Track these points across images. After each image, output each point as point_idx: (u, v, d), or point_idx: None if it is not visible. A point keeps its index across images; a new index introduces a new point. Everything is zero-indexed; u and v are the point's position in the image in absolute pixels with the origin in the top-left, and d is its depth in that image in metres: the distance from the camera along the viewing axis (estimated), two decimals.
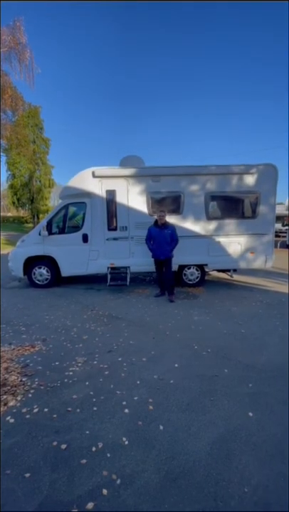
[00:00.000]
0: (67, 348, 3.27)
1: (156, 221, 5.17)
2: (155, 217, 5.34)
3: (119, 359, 3.00)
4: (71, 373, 2.70)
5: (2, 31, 15.11)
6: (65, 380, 2.57)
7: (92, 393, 2.38)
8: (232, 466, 1.69)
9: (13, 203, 30.74)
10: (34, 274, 6.05)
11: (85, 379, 2.60)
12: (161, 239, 5.05)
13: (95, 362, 2.93)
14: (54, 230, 6.04)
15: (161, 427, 1.99)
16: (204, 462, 1.71)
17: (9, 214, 42.24)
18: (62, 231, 6.01)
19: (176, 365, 2.88)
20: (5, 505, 1.43)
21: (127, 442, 1.84)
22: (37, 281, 6.08)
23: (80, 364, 2.88)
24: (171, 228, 5.14)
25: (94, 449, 1.78)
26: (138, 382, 2.56)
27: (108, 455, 1.74)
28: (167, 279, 5.26)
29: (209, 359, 3.03)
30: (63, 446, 1.80)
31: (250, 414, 2.14)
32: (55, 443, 1.83)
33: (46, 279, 6.09)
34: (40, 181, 30.31)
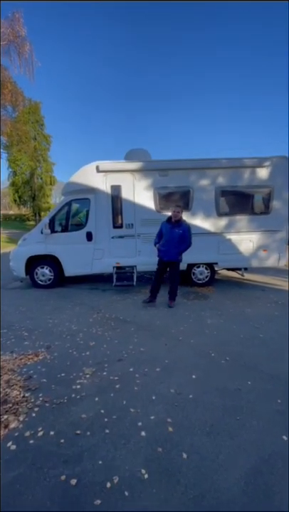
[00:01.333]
0: (74, 356, 3.02)
1: (169, 217, 4.54)
2: (163, 213, 5.05)
3: (131, 369, 2.74)
4: (79, 387, 2.45)
5: (2, 25, 14.70)
6: (73, 395, 2.32)
7: (102, 411, 2.13)
8: (273, 506, 1.43)
9: (15, 200, 30.53)
10: (36, 274, 5.80)
11: (94, 393, 2.35)
12: (169, 237, 4.41)
13: (105, 373, 2.68)
14: (57, 227, 5.78)
15: (184, 455, 1.73)
16: (239, 502, 1.45)
17: (11, 212, 42.11)
18: (65, 229, 5.74)
19: (193, 377, 2.62)
20: None
21: (146, 475, 1.59)
22: (39, 282, 5.84)
23: (88, 376, 2.62)
24: (184, 228, 4.41)
25: (108, 485, 1.53)
26: (153, 397, 2.31)
27: (126, 493, 1.48)
28: (172, 282, 4.65)
29: (229, 369, 2.77)
30: (73, 482, 1.55)
31: (285, 437, 1.88)
32: (63, 477, 1.58)
33: (49, 279, 5.84)
34: (41, 178, 30.04)
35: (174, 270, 4.65)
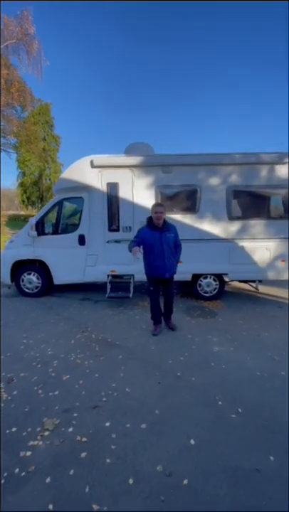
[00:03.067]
0: (38, 397, 2.33)
1: (150, 221, 3.50)
2: (166, 216, 4.28)
3: (107, 424, 2.03)
4: (29, 454, 1.75)
5: (10, 22, 14.50)
6: (16, 471, 1.63)
7: (51, 507, 1.42)
8: None
9: (23, 201, 30.52)
10: (23, 280, 5.19)
11: (47, 469, 1.65)
12: (164, 246, 3.38)
13: (70, 429, 1.97)
14: (47, 229, 5.16)
15: None
16: None
17: (22, 212, 42.25)
18: (55, 231, 5.10)
19: (192, 442, 1.87)
20: None
21: None
22: (26, 290, 5.22)
23: (46, 433, 1.92)
24: (174, 230, 3.54)
25: None
26: (131, 480, 1.58)
27: None
28: (168, 301, 3.80)
29: (242, 429, 2.01)
30: None
31: None
32: None
33: (36, 287, 5.21)
34: (49, 179, 29.91)
35: (170, 285, 3.74)
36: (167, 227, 3.49)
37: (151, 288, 3.68)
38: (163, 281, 3.65)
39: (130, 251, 3.36)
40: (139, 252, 3.32)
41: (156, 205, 3.48)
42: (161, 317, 3.86)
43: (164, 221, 3.48)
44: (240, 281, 5.58)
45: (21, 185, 29.65)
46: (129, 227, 4.88)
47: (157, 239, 3.39)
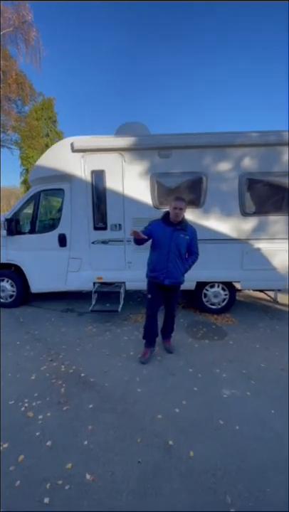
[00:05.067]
0: None
1: (166, 215, 2.81)
2: (164, 210, 3.36)
3: None
4: None
5: (6, 9, 13.73)
6: None
7: None
8: None
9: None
10: None
11: None
12: (172, 247, 2.70)
13: None
14: (23, 227, 4.35)
15: None
16: None
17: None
18: (32, 230, 4.27)
19: None
20: None
21: None
22: None
23: None
24: (191, 232, 2.81)
25: None
26: None
27: None
28: (169, 316, 3.07)
29: None
30: None
31: None
32: None
33: (10, 295, 4.41)
34: None
35: (173, 298, 2.98)
36: (184, 226, 2.78)
37: (149, 296, 2.90)
38: (164, 289, 2.86)
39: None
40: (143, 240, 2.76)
41: (176, 198, 2.74)
42: (155, 339, 3.01)
43: (183, 220, 2.79)
44: (255, 291, 4.63)
45: (24, 182, 29.11)
46: (119, 225, 4.00)
47: (167, 236, 2.72)
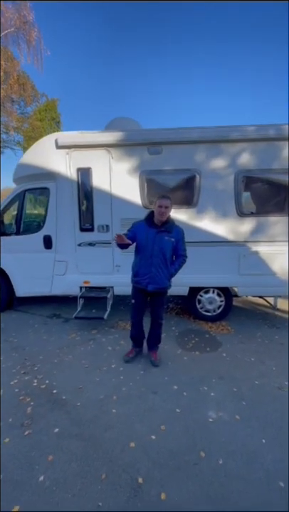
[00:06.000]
0: None
1: (149, 215, 2.62)
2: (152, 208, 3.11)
3: None
4: None
5: (7, 9, 13.72)
6: None
7: None
8: None
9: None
10: None
11: None
12: (156, 250, 2.52)
13: None
14: (7, 229, 4.15)
15: None
16: None
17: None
18: (17, 231, 4.06)
19: None
20: None
21: None
22: None
23: None
24: (177, 234, 2.58)
25: None
26: None
27: None
28: (155, 324, 2.83)
29: None
30: None
31: None
32: None
33: None
34: None
35: (158, 304, 2.76)
36: (169, 227, 2.56)
37: (133, 301, 2.80)
38: (148, 295, 2.72)
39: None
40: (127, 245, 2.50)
41: (161, 196, 2.53)
42: (142, 340, 2.99)
43: (168, 220, 2.58)
44: (254, 297, 4.33)
45: None
46: (107, 226, 3.75)
47: (150, 238, 2.53)
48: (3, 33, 13.90)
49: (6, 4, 13.51)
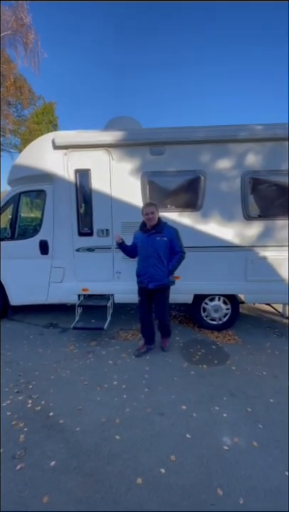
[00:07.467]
0: None
1: (143, 223, 2.95)
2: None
3: None
4: None
5: (5, 11, 13.60)
6: None
7: None
8: None
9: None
10: None
11: None
12: (150, 251, 2.82)
13: None
14: (1, 233, 3.93)
15: None
16: None
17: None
18: (11, 235, 3.85)
19: None
20: None
21: None
22: None
23: None
24: (170, 233, 2.85)
25: None
26: None
27: None
28: (161, 317, 3.07)
29: None
30: None
31: None
32: None
33: None
34: None
35: (161, 299, 2.98)
36: (160, 228, 2.85)
37: (139, 298, 3.09)
38: (150, 293, 2.97)
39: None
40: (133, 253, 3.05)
41: (145, 205, 2.95)
42: (153, 336, 3.17)
43: (158, 223, 2.87)
44: (261, 304, 4.14)
45: None
46: (107, 231, 3.55)
47: (145, 242, 2.89)
48: (1, 35, 13.77)
49: (3, 5, 13.37)
